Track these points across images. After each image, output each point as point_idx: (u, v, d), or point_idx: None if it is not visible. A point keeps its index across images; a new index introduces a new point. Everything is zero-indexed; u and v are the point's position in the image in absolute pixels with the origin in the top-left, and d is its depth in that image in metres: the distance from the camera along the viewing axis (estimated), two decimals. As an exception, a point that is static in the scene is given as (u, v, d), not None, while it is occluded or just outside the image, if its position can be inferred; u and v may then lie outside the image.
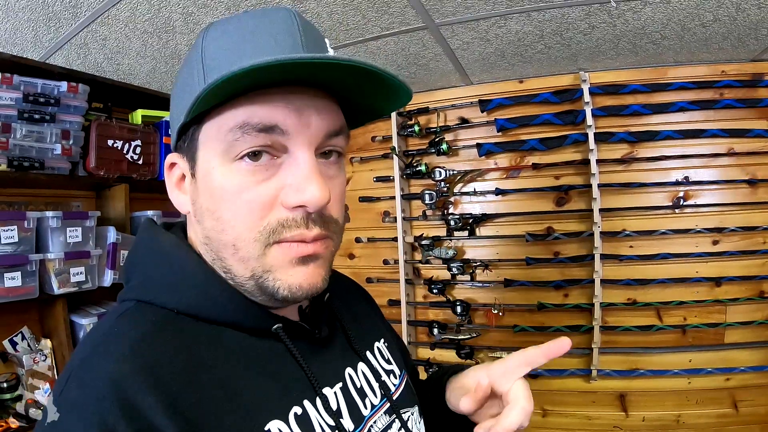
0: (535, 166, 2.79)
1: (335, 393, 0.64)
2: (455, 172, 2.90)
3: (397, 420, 0.70)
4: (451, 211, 3.00)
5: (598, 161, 2.62)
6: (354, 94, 0.60)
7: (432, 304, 3.02)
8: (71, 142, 2.00)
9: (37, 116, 1.89)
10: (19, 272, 1.83)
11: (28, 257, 1.85)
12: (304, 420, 0.57)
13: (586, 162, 2.66)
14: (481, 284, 2.90)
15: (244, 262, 0.57)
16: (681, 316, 2.61)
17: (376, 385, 0.72)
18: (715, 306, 2.57)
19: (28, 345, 1.99)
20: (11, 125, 1.82)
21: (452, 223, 2.87)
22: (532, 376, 2.61)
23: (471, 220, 2.86)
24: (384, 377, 0.75)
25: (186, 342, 0.54)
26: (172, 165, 0.64)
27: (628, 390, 2.67)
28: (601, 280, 2.61)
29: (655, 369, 2.61)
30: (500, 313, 2.82)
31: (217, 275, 0.60)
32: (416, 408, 0.78)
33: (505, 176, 2.90)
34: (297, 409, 0.57)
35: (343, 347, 0.72)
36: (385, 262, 3.12)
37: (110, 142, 2.15)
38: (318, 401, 0.60)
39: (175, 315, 0.57)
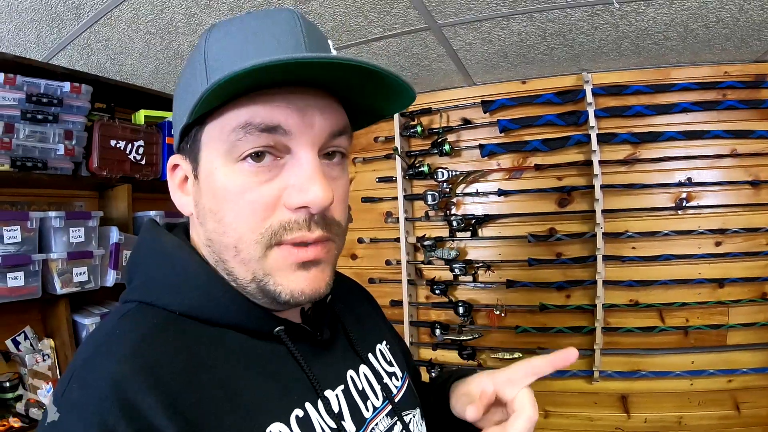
0: (538, 167, 2.79)
1: (337, 395, 0.64)
2: (458, 172, 2.90)
3: (398, 422, 0.70)
4: (453, 211, 3.00)
5: (601, 162, 2.62)
6: (357, 95, 0.60)
7: (434, 304, 3.02)
8: (74, 142, 2.01)
9: (40, 116, 1.89)
10: (22, 272, 1.83)
11: (31, 257, 1.85)
12: (305, 422, 0.57)
13: (588, 163, 2.65)
14: (483, 285, 2.90)
15: (245, 264, 0.57)
16: (683, 318, 2.61)
17: (377, 388, 0.71)
18: (717, 307, 2.56)
19: (31, 345, 1.99)
20: (14, 125, 1.83)
21: (455, 223, 2.87)
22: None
23: (473, 221, 2.86)
24: (386, 379, 0.75)
25: (187, 343, 0.54)
26: (175, 167, 0.64)
27: (630, 391, 2.67)
28: (603, 281, 2.61)
29: (657, 370, 2.60)
30: (502, 314, 2.82)
31: (219, 277, 0.60)
32: (418, 410, 0.78)
33: (507, 177, 2.90)
34: (298, 412, 0.57)
35: (345, 349, 0.72)
36: (388, 262, 3.12)
37: (113, 143, 2.15)
38: (319, 404, 0.60)
39: (177, 316, 0.57)
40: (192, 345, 0.54)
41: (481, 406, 0.69)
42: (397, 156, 2.96)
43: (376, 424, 0.67)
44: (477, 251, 2.97)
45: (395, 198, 3.03)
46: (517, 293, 2.83)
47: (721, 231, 2.52)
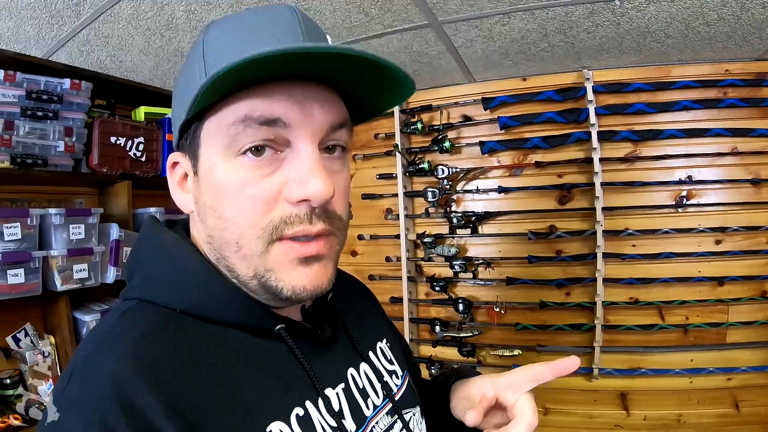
0: (538, 164, 2.78)
1: (337, 394, 0.64)
2: (458, 169, 2.90)
3: (399, 420, 0.71)
4: (453, 208, 3.00)
5: (601, 160, 2.62)
6: (356, 88, 0.60)
7: (434, 301, 3.02)
8: (74, 139, 2.01)
9: (40, 113, 1.89)
10: (22, 269, 1.83)
11: (31, 254, 1.85)
12: (305, 421, 0.57)
13: (589, 160, 2.65)
14: (483, 282, 2.90)
15: (246, 259, 0.57)
16: (683, 316, 2.61)
17: (378, 386, 0.71)
18: (717, 306, 2.56)
19: (31, 341, 2.00)
20: (14, 122, 1.83)
21: (455, 220, 2.87)
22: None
23: (473, 218, 2.86)
24: (386, 377, 0.75)
25: (187, 341, 0.54)
26: (174, 164, 0.64)
27: (630, 389, 2.67)
28: (603, 278, 2.61)
29: (656, 368, 2.61)
30: (502, 311, 2.82)
31: (220, 274, 0.60)
32: (418, 408, 0.78)
33: (507, 174, 2.90)
34: (299, 410, 0.57)
35: (346, 347, 0.72)
36: (388, 259, 3.12)
37: (113, 139, 2.15)
38: (320, 402, 0.60)
39: (177, 314, 0.57)
40: (192, 343, 0.54)
41: (481, 411, 0.70)
42: (397, 153, 2.95)
43: (377, 423, 0.67)
44: (477, 248, 2.97)
45: (395, 195, 3.03)
46: (517, 290, 2.83)
47: (722, 229, 2.51)
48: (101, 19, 1.88)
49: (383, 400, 0.71)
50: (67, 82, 1.95)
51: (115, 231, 2.14)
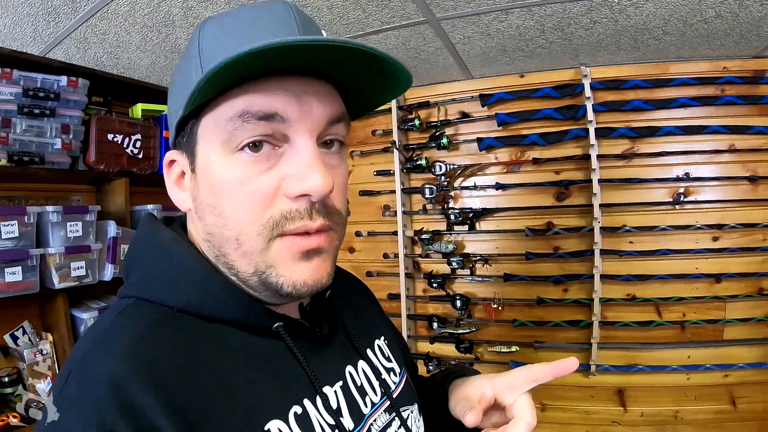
0: (536, 161, 2.79)
1: (335, 392, 0.64)
2: (455, 166, 2.90)
3: (396, 418, 0.71)
4: (451, 205, 3.00)
5: (599, 156, 2.62)
6: (352, 82, 0.59)
7: (432, 298, 3.02)
8: (71, 136, 2.00)
9: (36, 111, 1.88)
10: (20, 267, 1.83)
11: (29, 252, 1.85)
12: (304, 419, 0.57)
13: (586, 157, 2.65)
14: (480, 278, 2.90)
15: (246, 256, 0.57)
16: (680, 312, 2.62)
17: (376, 383, 0.72)
18: (714, 302, 2.57)
19: (29, 339, 2.00)
20: (11, 120, 1.82)
21: (452, 217, 2.87)
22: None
23: (471, 215, 2.86)
24: (384, 375, 0.75)
25: (185, 340, 0.54)
26: (171, 162, 0.63)
27: (627, 385, 2.68)
28: (600, 275, 2.61)
29: (653, 364, 2.61)
30: (500, 308, 2.83)
31: (218, 272, 0.60)
32: (416, 406, 0.78)
33: (505, 171, 2.90)
34: (297, 409, 0.57)
35: (344, 345, 0.72)
36: (385, 255, 3.12)
37: (110, 137, 2.15)
38: (318, 400, 0.60)
39: (175, 312, 0.56)
40: (190, 342, 0.54)
41: (480, 411, 0.70)
42: (394, 149, 2.95)
43: (375, 420, 0.67)
44: (474, 245, 2.97)
45: (393, 191, 3.03)
46: (515, 287, 2.84)
47: (719, 226, 2.52)
48: (98, 16, 1.88)
49: (381, 398, 0.71)
50: (63, 80, 1.95)
51: (112, 228, 2.14)
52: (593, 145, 2.60)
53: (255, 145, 0.54)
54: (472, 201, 2.97)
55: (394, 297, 3.05)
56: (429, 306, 3.09)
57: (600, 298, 2.62)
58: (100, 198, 2.36)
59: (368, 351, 0.76)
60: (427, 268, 3.08)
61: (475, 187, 2.90)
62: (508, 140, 2.83)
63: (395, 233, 3.03)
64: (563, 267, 2.78)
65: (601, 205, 2.61)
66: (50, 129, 1.94)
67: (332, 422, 0.60)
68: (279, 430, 0.54)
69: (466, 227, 2.87)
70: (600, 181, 2.61)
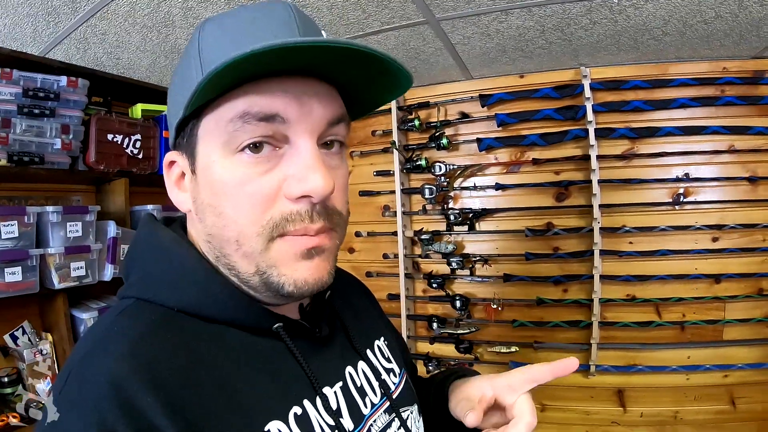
0: (536, 162, 2.79)
1: (335, 392, 0.64)
2: (455, 166, 2.90)
3: (396, 419, 0.71)
4: (450, 205, 3.00)
5: (599, 157, 2.62)
6: (353, 82, 0.59)
7: (431, 298, 3.02)
8: (71, 136, 2.00)
9: (36, 111, 1.88)
10: (20, 267, 1.83)
11: (29, 252, 1.85)
12: (303, 420, 0.57)
13: (586, 158, 2.65)
14: (480, 279, 2.90)
15: (247, 257, 0.57)
16: (680, 313, 2.62)
17: (376, 384, 0.72)
18: (714, 303, 2.57)
19: (29, 339, 2.00)
20: (11, 120, 1.82)
21: (452, 217, 2.87)
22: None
23: (471, 215, 2.86)
24: (384, 376, 0.75)
25: (185, 340, 0.54)
26: (171, 163, 0.63)
27: (627, 385, 2.68)
28: (600, 275, 2.62)
29: (653, 365, 2.62)
30: (499, 308, 2.83)
31: (218, 273, 0.60)
32: (415, 406, 0.78)
33: (505, 171, 2.90)
34: (297, 409, 0.57)
35: (344, 346, 0.72)
36: (385, 256, 3.12)
37: (110, 137, 2.15)
38: (318, 401, 0.60)
39: (175, 313, 0.56)
40: (190, 342, 0.54)
41: (481, 412, 0.70)
42: (394, 150, 2.95)
43: (374, 421, 0.67)
44: (474, 245, 2.97)
45: (393, 192, 3.03)
46: (514, 287, 2.84)
47: (719, 227, 2.52)
48: (98, 16, 1.88)
49: (381, 399, 0.71)
50: (63, 80, 1.95)
51: (112, 228, 2.14)
52: (593, 145, 2.60)
53: (255, 146, 0.54)
54: (471, 201, 2.97)
55: (394, 297, 3.05)
56: (429, 306, 3.09)
57: (600, 299, 2.62)
58: (100, 198, 2.36)
59: (368, 352, 0.76)
60: (426, 268, 3.08)
61: (474, 188, 2.90)
62: (507, 141, 2.83)
63: (395, 233, 3.03)
64: (563, 267, 2.78)
65: (600, 206, 2.61)
66: (50, 129, 1.94)
67: (332, 423, 0.60)
68: (279, 430, 0.54)
69: (465, 228, 2.87)
70: (600, 181, 2.61)
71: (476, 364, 2.89)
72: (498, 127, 2.84)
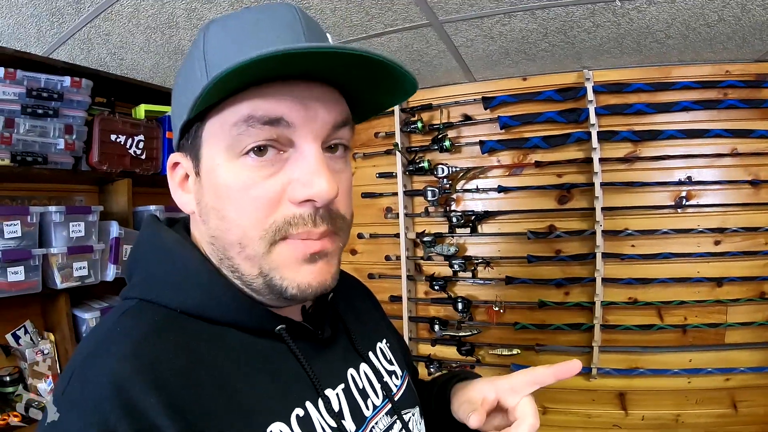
0: (538, 164, 2.79)
1: (337, 394, 0.64)
2: (458, 169, 2.90)
3: (398, 421, 0.71)
4: (453, 207, 3.00)
5: (601, 160, 2.62)
6: (358, 86, 0.59)
7: (433, 300, 3.02)
8: (74, 136, 2.01)
9: (40, 111, 1.89)
10: (22, 267, 1.83)
11: (31, 252, 1.85)
12: (305, 422, 0.57)
13: (588, 160, 2.65)
14: (482, 281, 2.90)
15: (250, 260, 0.57)
16: (682, 316, 2.61)
17: (378, 386, 0.72)
18: (715, 306, 2.56)
19: (31, 339, 2.00)
20: (14, 120, 1.83)
21: (454, 219, 2.87)
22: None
23: (473, 217, 2.86)
24: (386, 378, 0.75)
25: (188, 342, 0.54)
26: (175, 165, 0.63)
27: (628, 389, 2.68)
28: (602, 278, 2.61)
29: (655, 368, 2.61)
30: (501, 311, 2.83)
31: (220, 275, 0.60)
32: (417, 409, 0.79)
33: (507, 174, 2.90)
34: (299, 411, 0.57)
35: (346, 348, 0.72)
36: (387, 258, 3.12)
37: (113, 137, 2.15)
38: (320, 402, 0.60)
39: (178, 314, 0.56)
40: (193, 343, 0.54)
41: (484, 413, 0.70)
42: (397, 152, 2.96)
43: (376, 423, 0.67)
44: (476, 247, 2.97)
45: (395, 194, 3.03)
46: (516, 290, 2.84)
47: (721, 230, 2.52)
48: (102, 17, 1.88)
49: (383, 401, 0.71)
50: (67, 80, 1.95)
51: (115, 229, 2.14)
52: (595, 148, 2.60)
53: (260, 150, 0.54)
54: (474, 204, 2.97)
55: (396, 299, 3.05)
56: (430, 308, 3.09)
57: (601, 302, 2.62)
58: (103, 198, 2.36)
59: (370, 354, 0.76)
60: (428, 270, 3.08)
61: (477, 190, 2.90)
62: (510, 143, 2.83)
63: (397, 235, 3.03)
64: (565, 270, 2.78)
65: (603, 209, 2.61)
66: (53, 129, 1.95)
67: (334, 425, 0.60)
68: (281, 431, 0.54)
69: (468, 230, 2.87)
70: (602, 184, 2.61)
71: (478, 366, 2.89)
72: (501, 129, 2.84)
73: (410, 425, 0.72)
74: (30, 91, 1.85)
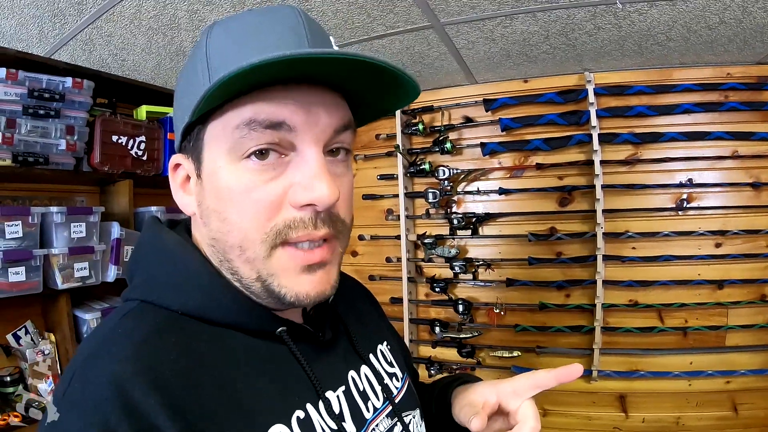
0: (539, 166, 2.79)
1: (338, 396, 0.64)
2: (459, 171, 2.90)
3: (398, 423, 0.71)
4: (454, 209, 3.00)
5: (602, 162, 2.62)
6: (360, 91, 0.59)
7: (434, 302, 3.02)
8: (76, 137, 2.01)
9: (41, 112, 1.89)
10: (24, 267, 1.83)
11: (32, 252, 1.85)
12: (306, 424, 0.57)
13: (589, 163, 2.65)
14: (483, 283, 2.90)
15: (249, 263, 0.57)
16: (682, 318, 2.61)
17: (378, 388, 0.72)
18: (716, 309, 2.56)
19: (32, 339, 2.00)
20: (16, 121, 1.83)
21: (455, 221, 2.87)
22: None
23: (474, 219, 2.86)
24: (386, 380, 0.75)
25: (189, 343, 0.54)
26: (177, 166, 0.63)
27: (629, 391, 2.67)
28: (603, 281, 2.61)
29: (655, 370, 2.61)
30: (502, 313, 2.82)
31: (221, 276, 0.60)
32: (418, 411, 0.79)
33: (508, 176, 2.90)
34: (300, 413, 0.57)
35: (347, 350, 0.72)
36: (388, 259, 3.12)
37: (115, 138, 2.16)
38: (320, 404, 0.60)
39: (179, 316, 0.56)
40: (194, 345, 0.54)
41: (485, 417, 0.70)
42: (398, 153, 2.96)
43: (377, 425, 0.67)
44: (477, 249, 2.97)
45: (396, 195, 3.03)
46: (517, 292, 2.84)
47: (722, 232, 2.51)
48: (103, 18, 1.89)
49: (383, 403, 0.71)
50: (69, 81, 1.95)
51: (116, 229, 2.14)
52: (596, 150, 2.60)
53: (261, 153, 0.54)
54: (475, 206, 2.97)
55: (397, 301, 3.05)
56: (431, 310, 3.09)
57: (602, 304, 2.62)
58: (104, 199, 2.36)
59: (371, 356, 0.76)
60: (429, 272, 3.08)
61: (478, 192, 2.90)
62: (511, 145, 2.83)
63: (398, 237, 3.03)
64: (566, 272, 2.78)
65: (604, 211, 2.61)
66: (55, 130, 1.95)
67: (335, 427, 0.60)
68: None
69: (468, 232, 2.87)
70: (603, 186, 2.61)
71: (478, 368, 2.89)
72: (502, 131, 2.84)
73: (411, 427, 0.72)
74: (32, 92, 1.85)
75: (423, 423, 0.79)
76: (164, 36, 2.08)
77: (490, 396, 0.74)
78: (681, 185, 2.59)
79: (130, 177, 2.25)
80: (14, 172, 1.86)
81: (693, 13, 1.98)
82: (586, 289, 2.72)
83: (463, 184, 2.97)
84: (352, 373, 0.69)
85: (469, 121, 2.95)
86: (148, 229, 0.66)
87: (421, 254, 3.06)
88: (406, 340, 2.95)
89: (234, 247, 0.57)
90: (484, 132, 2.93)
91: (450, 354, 2.97)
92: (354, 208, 0.66)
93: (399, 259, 3.05)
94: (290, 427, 0.55)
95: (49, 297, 2.06)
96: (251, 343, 0.59)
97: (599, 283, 2.61)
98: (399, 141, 2.97)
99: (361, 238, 3.17)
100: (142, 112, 2.37)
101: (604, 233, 2.61)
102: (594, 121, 2.61)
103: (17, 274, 1.81)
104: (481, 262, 2.85)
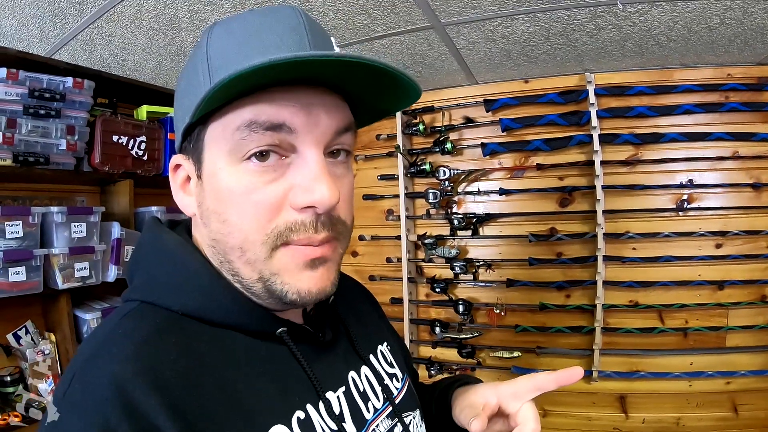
0: (540, 167, 2.79)
1: (338, 397, 0.64)
2: (459, 171, 2.90)
3: (399, 423, 0.71)
4: (454, 210, 3.00)
5: (603, 163, 2.62)
6: (361, 92, 0.59)
7: (434, 302, 3.02)
8: (76, 137, 2.01)
9: (42, 112, 1.89)
10: (24, 267, 1.83)
11: (33, 252, 1.85)
12: (306, 424, 0.57)
13: (590, 163, 2.65)
14: (483, 284, 2.90)
15: (250, 264, 0.57)
16: (683, 319, 2.61)
17: (378, 389, 0.72)
18: (717, 309, 2.56)
19: (32, 339, 2.00)
20: (17, 120, 1.83)
21: (456, 222, 2.87)
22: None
23: (474, 220, 2.86)
24: (387, 381, 0.75)
25: (189, 344, 0.54)
26: (177, 166, 0.63)
27: (629, 392, 2.67)
28: (603, 281, 2.61)
29: (655, 371, 2.60)
30: (502, 313, 2.82)
31: (222, 277, 0.60)
32: (418, 411, 0.79)
33: (509, 176, 2.90)
34: (300, 414, 0.57)
35: (347, 350, 0.72)
36: (388, 260, 3.13)
37: (115, 138, 2.15)
38: (321, 405, 0.60)
39: (179, 316, 0.56)
40: (194, 345, 0.54)
41: (485, 418, 0.70)
42: (399, 154, 2.96)
43: (377, 426, 0.67)
44: (478, 250, 2.97)
45: (396, 196, 3.03)
46: (517, 292, 2.84)
47: (722, 233, 2.51)
48: (104, 18, 1.89)
49: (384, 403, 0.71)
50: (69, 81, 1.95)
51: (116, 229, 2.14)
52: (597, 151, 2.60)
53: (262, 155, 0.54)
54: (475, 206, 2.97)
55: (397, 301, 3.05)
56: (431, 311, 3.09)
57: (603, 305, 2.61)
58: (105, 199, 2.36)
59: (371, 357, 0.76)
60: (430, 272, 3.08)
61: (478, 193, 2.90)
62: (512, 146, 2.83)
63: (398, 237, 3.03)
64: (566, 273, 2.77)
65: (604, 212, 2.61)
66: (55, 130, 1.95)
67: (335, 427, 0.60)
68: None
69: (469, 232, 2.87)
70: (603, 187, 2.61)
71: (478, 368, 2.89)
72: (502, 132, 2.84)
73: (411, 428, 0.72)
74: (32, 92, 1.85)
75: (423, 424, 0.79)
76: (165, 36, 2.08)
77: (491, 398, 0.74)
78: (681, 186, 2.59)
79: (130, 177, 2.25)
80: (15, 172, 1.86)
81: (694, 13, 1.98)
82: (586, 289, 2.72)
83: (464, 184, 2.97)
84: (352, 373, 0.69)
85: (469, 122, 2.95)
86: (149, 229, 0.66)
87: (421, 254, 3.06)
88: (407, 341, 2.95)
89: (234, 249, 0.57)
90: (484, 132, 2.94)
91: (450, 354, 2.97)
92: (354, 209, 0.66)
93: (399, 260, 3.05)
94: (290, 428, 0.55)
95: (50, 297, 2.06)
96: (251, 343, 0.59)
97: (599, 284, 2.61)
98: (399, 141, 2.97)
99: (361, 238, 3.17)
100: (143, 112, 2.37)
101: (604, 234, 2.61)
102: (594, 121, 2.61)
103: (17, 274, 1.81)
104: (481, 263, 2.85)
